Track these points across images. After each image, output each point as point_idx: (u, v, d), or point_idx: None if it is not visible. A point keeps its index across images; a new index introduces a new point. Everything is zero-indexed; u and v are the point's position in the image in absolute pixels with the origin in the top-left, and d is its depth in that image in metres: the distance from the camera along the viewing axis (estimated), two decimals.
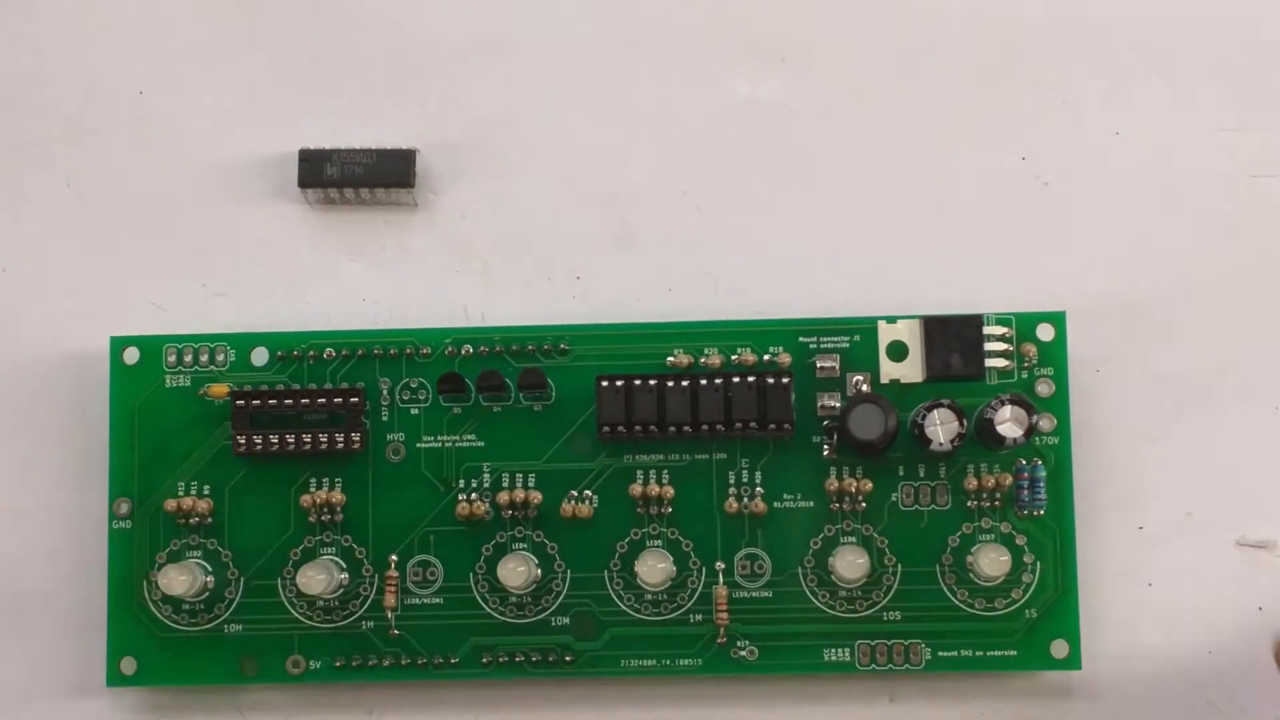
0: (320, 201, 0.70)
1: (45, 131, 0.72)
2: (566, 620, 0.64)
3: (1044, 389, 0.64)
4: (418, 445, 0.65)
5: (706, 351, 0.65)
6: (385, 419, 0.65)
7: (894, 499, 0.64)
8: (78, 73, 0.73)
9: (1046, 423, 0.64)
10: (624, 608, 0.64)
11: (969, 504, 0.64)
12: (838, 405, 0.64)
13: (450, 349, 0.65)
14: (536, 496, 0.64)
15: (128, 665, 0.65)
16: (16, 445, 0.69)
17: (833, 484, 0.64)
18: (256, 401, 0.64)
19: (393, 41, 0.71)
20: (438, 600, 0.65)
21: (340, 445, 0.64)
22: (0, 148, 0.72)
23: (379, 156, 0.69)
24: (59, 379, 0.69)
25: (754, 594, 0.64)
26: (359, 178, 0.69)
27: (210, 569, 0.65)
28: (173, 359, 0.66)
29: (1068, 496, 0.64)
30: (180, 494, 0.65)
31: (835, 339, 0.65)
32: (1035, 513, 0.64)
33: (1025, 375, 0.64)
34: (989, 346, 0.64)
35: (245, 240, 0.70)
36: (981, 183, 0.69)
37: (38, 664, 0.68)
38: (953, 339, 0.64)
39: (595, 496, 0.65)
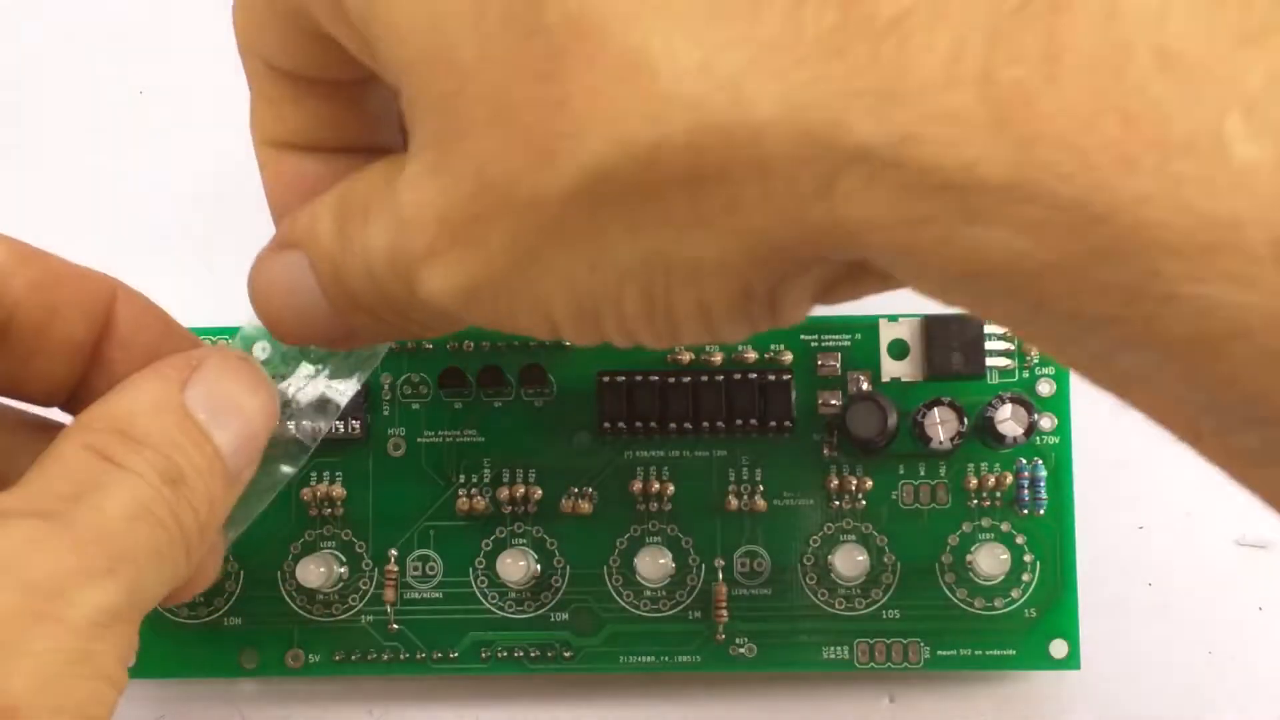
0: None
1: (46, 131, 0.72)
2: (566, 616, 0.64)
3: (1045, 388, 0.64)
4: (418, 440, 0.65)
5: (708, 348, 0.65)
6: (386, 413, 0.65)
7: (894, 497, 0.64)
8: (78, 73, 0.73)
9: (1047, 422, 0.64)
10: (623, 604, 0.64)
11: (969, 503, 0.64)
12: (838, 403, 0.64)
13: (452, 344, 0.65)
14: (537, 492, 0.64)
15: None
16: None
17: (833, 482, 0.64)
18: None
19: None
20: (437, 595, 0.65)
21: (340, 432, 0.64)
22: (0, 148, 0.72)
23: None
24: None
25: (753, 591, 0.64)
26: None
27: None
28: None
29: (1068, 496, 0.64)
30: None
31: (836, 337, 0.65)
32: (1035, 512, 0.64)
33: (1027, 374, 0.64)
34: (990, 345, 0.64)
35: (246, 241, 0.70)
36: None
37: None
38: (954, 337, 0.64)
39: (595, 492, 0.65)
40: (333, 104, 0.45)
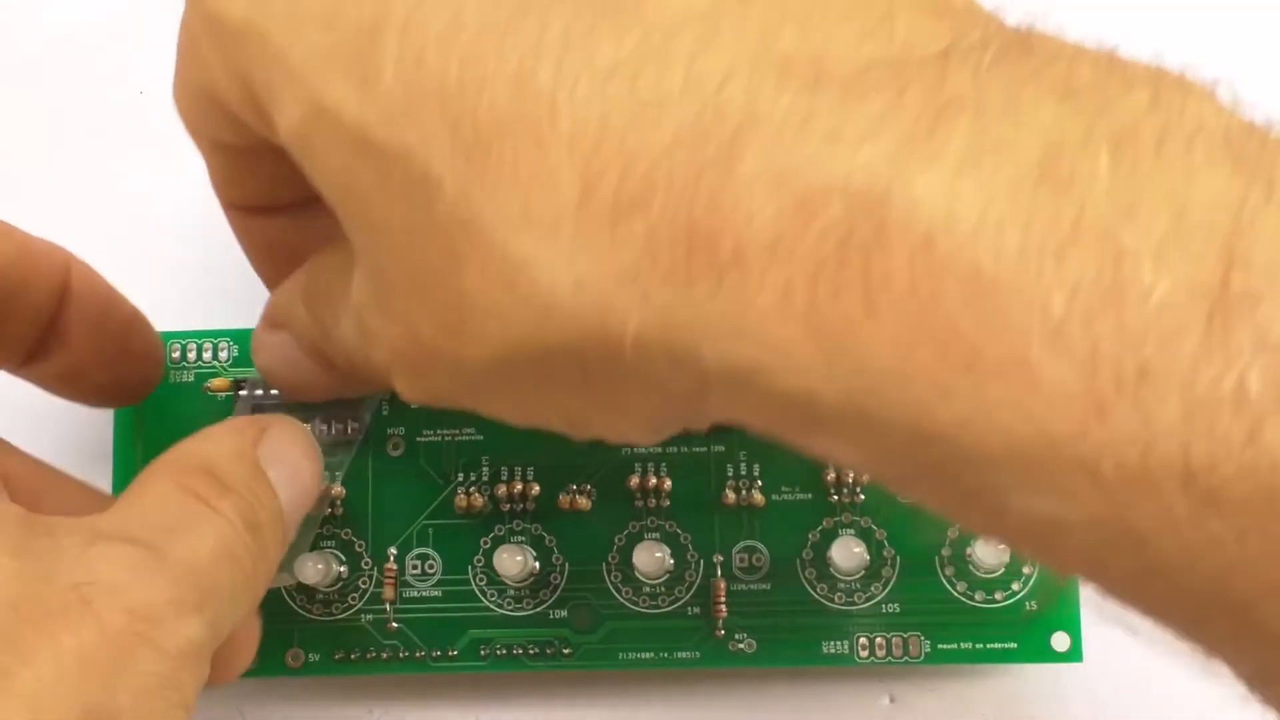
0: None
1: (45, 131, 0.72)
2: (564, 613, 0.64)
3: None
4: (417, 439, 0.65)
5: None
6: (385, 413, 0.65)
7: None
8: (78, 73, 0.73)
9: None
10: (622, 600, 0.64)
11: None
12: None
13: None
14: (534, 489, 0.64)
15: None
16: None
17: (831, 476, 0.64)
18: (260, 391, 0.64)
19: None
20: (436, 593, 0.65)
21: (339, 432, 0.64)
22: (0, 147, 0.72)
23: None
24: None
25: (752, 586, 0.64)
26: None
27: None
28: (176, 354, 0.66)
29: None
30: None
31: None
32: None
33: None
34: None
35: None
36: None
37: None
38: None
39: (593, 489, 0.65)
40: (285, 166, 0.47)
